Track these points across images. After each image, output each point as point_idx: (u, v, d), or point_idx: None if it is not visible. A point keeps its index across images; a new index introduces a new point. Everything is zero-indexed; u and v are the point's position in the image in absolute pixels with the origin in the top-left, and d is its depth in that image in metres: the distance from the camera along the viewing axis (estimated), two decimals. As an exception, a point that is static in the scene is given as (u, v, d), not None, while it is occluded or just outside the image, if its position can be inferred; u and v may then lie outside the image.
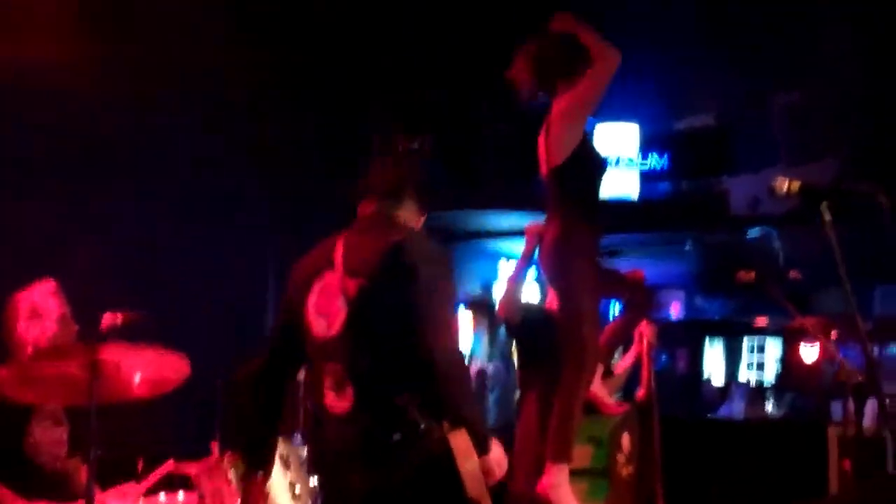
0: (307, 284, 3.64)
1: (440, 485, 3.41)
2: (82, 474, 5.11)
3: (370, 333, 3.50)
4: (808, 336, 11.52)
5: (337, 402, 3.52)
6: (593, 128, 11.44)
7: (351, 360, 3.50)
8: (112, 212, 6.87)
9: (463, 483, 3.37)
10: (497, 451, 3.51)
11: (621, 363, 5.80)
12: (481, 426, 3.48)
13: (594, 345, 5.02)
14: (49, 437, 5.11)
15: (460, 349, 3.48)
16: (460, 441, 3.40)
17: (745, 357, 14.02)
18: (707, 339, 13.89)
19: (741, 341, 14.04)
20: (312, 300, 3.61)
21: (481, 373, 11.96)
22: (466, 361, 12.87)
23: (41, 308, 5.07)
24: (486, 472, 3.50)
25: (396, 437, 3.42)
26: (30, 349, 5.05)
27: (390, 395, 3.46)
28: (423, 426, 3.42)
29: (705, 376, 13.66)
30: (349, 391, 3.49)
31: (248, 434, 3.94)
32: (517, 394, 10.68)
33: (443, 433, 3.41)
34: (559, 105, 5.01)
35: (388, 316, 3.47)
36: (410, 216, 3.76)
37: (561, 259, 5.07)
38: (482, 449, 3.46)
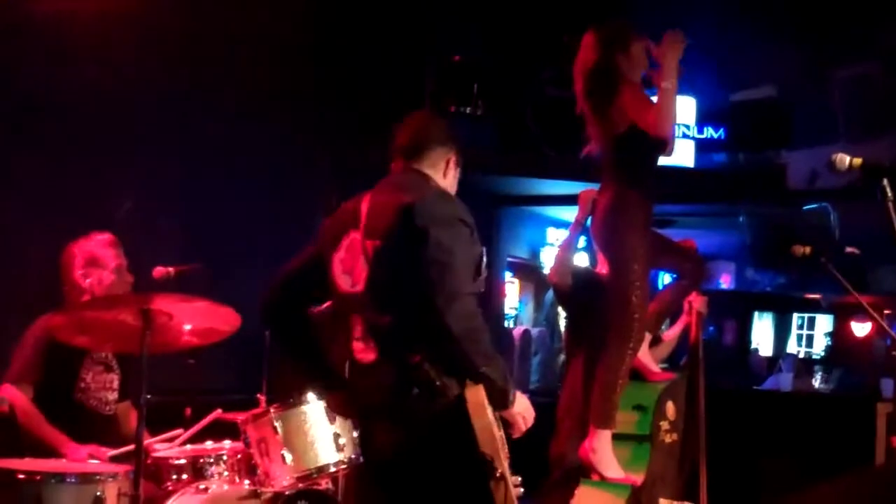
0: (336, 240, 3.71)
1: (453, 441, 3.44)
2: (132, 419, 5.20)
3: (387, 293, 3.54)
4: (860, 312, 11.42)
5: (364, 353, 3.59)
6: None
7: (372, 318, 3.56)
8: (162, 166, 6.91)
9: (476, 440, 3.40)
10: (522, 404, 3.57)
11: (669, 332, 5.79)
12: (502, 381, 3.49)
13: (642, 313, 5.01)
14: (99, 383, 5.20)
15: (475, 309, 3.45)
16: (475, 398, 3.43)
17: (795, 331, 13.93)
18: (756, 312, 13.81)
19: (791, 315, 13.94)
20: (339, 257, 3.69)
21: (526, 333, 11.98)
22: (512, 324, 12.95)
23: (98, 257, 5.16)
24: (510, 423, 3.58)
25: (415, 392, 3.46)
26: (86, 296, 5.14)
27: (408, 353, 3.49)
28: (438, 383, 3.45)
29: (753, 348, 13.59)
30: (373, 344, 3.57)
31: (303, 367, 4.04)
32: (560, 359, 10.68)
33: (461, 390, 3.44)
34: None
35: (401, 277, 3.49)
36: (435, 174, 3.79)
37: (614, 227, 5.06)
38: (502, 403, 3.52)
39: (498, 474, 3.38)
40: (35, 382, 4.97)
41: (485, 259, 3.63)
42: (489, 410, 3.46)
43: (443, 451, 3.50)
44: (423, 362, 3.47)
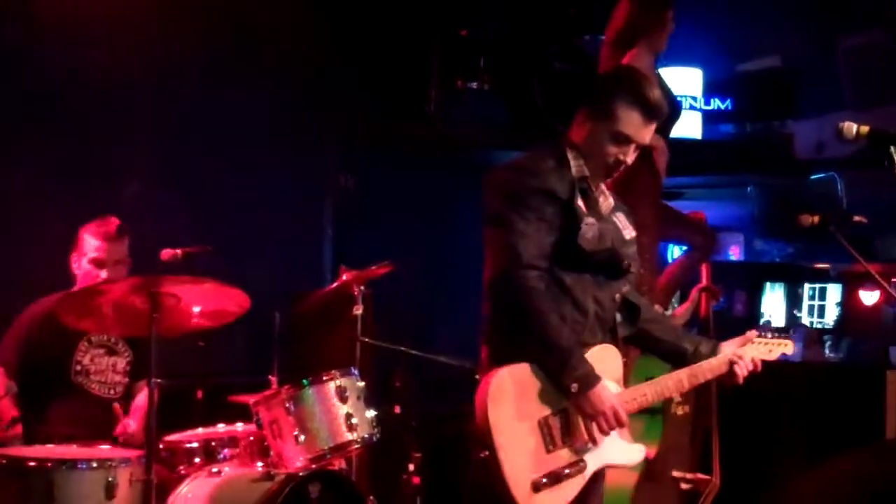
0: None
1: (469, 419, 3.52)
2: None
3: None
4: (869, 281, 11.39)
5: None
6: (655, 63, 11.29)
7: None
8: (168, 148, 6.90)
9: (476, 418, 3.46)
10: (591, 399, 3.54)
11: (680, 307, 5.79)
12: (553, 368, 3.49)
13: (651, 285, 5.02)
14: (100, 366, 5.19)
15: (516, 274, 3.48)
16: (499, 380, 3.47)
17: (805, 301, 13.89)
18: (766, 283, 13.77)
19: (801, 285, 13.90)
20: None
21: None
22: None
23: (83, 243, 5.17)
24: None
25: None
26: (86, 280, 5.15)
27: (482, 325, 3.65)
28: (483, 356, 3.53)
29: (763, 319, 13.56)
30: None
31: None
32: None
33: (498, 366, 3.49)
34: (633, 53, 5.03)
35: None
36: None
37: (624, 195, 5.06)
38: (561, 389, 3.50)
39: (482, 454, 3.39)
40: (6, 363, 4.99)
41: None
42: (534, 393, 3.46)
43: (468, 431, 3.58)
44: (482, 336, 3.60)
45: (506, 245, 3.52)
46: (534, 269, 3.49)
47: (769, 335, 4.08)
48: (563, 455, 3.50)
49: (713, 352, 3.94)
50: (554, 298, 3.54)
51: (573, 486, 3.51)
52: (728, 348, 3.95)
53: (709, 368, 3.90)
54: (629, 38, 5.25)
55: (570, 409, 3.52)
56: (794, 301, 13.93)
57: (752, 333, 4.06)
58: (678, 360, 3.92)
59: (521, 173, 3.64)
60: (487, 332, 3.67)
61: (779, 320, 13.55)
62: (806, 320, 13.37)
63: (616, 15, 5.41)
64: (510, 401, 3.43)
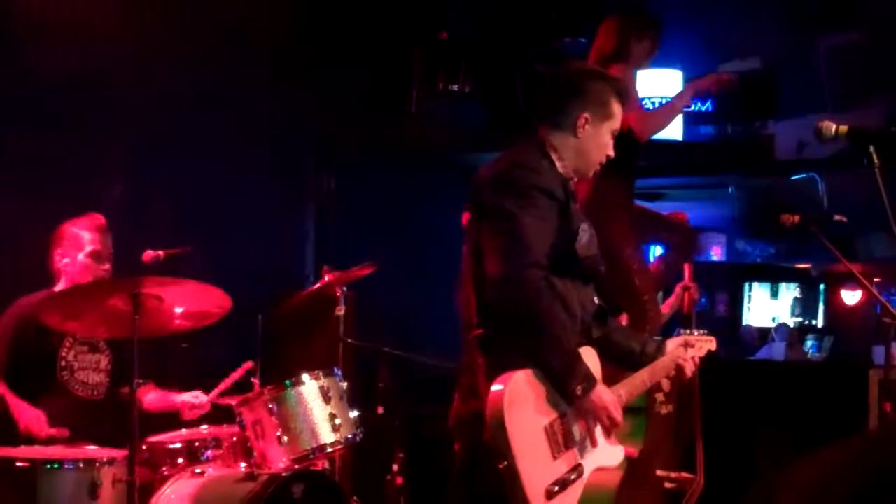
0: None
1: (475, 428, 3.43)
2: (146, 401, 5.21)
3: (473, 269, 3.61)
4: (850, 280, 11.43)
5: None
6: (635, 75, 11.34)
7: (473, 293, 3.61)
8: (150, 149, 6.88)
9: (488, 427, 3.35)
10: (593, 399, 3.52)
11: (663, 306, 5.80)
12: (558, 369, 3.46)
13: (650, 294, 5.08)
14: (84, 363, 5.16)
15: (526, 272, 3.39)
16: (515, 385, 3.39)
17: (786, 301, 13.94)
18: (748, 283, 13.82)
19: (782, 285, 13.95)
20: None
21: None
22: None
23: (77, 238, 5.13)
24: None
25: (473, 367, 3.54)
26: (59, 277, 5.13)
27: (478, 329, 3.56)
28: (479, 361, 3.49)
29: (745, 319, 13.61)
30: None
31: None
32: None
33: (498, 371, 3.42)
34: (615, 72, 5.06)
35: (478, 252, 3.58)
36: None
37: (597, 215, 5.11)
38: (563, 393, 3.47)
39: (502, 465, 3.29)
40: None
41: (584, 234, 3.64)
42: (539, 399, 3.42)
43: (467, 437, 3.57)
44: (478, 340, 3.53)
45: (513, 241, 3.43)
46: (541, 268, 3.43)
47: (696, 333, 4.15)
48: (567, 460, 3.46)
49: (658, 350, 3.99)
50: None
51: (576, 491, 3.49)
52: (670, 347, 4.00)
53: (662, 367, 3.96)
54: (611, 59, 5.30)
55: (568, 413, 3.50)
56: (775, 301, 13.98)
57: (686, 333, 4.12)
58: (628, 360, 3.94)
59: (524, 169, 3.58)
60: (485, 333, 3.57)
61: (761, 320, 13.60)
62: (788, 320, 13.42)
63: (600, 35, 5.45)
64: (523, 408, 3.36)
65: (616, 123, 3.77)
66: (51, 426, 4.86)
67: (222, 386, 5.23)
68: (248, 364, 5.23)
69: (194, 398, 5.18)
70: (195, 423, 5.24)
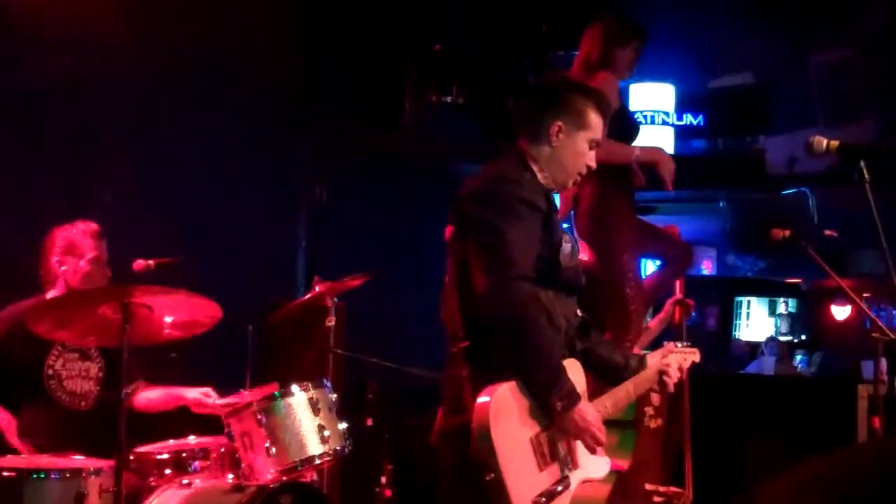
0: None
1: (461, 441, 3.40)
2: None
3: (458, 282, 3.60)
4: (840, 295, 11.46)
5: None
6: (628, 89, 11.41)
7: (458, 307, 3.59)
8: (141, 158, 6.87)
9: (473, 439, 3.34)
10: (574, 417, 3.49)
11: (653, 320, 5.81)
12: (540, 384, 3.44)
13: (638, 304, 5.08)
14: (72, 371, 5.12)
15: (512, 285, 3.38)
16: (500, 397, 3.37)
17: (777, 315, 13.97)
18: (738, 297, 13.85)
19: (772, 300, 13.98)
20: None
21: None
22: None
23: (77, 245, 5.09)
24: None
25: (458, 379, 3.52)
26: (59, 284, 5.09)
27: (463, 341, 3.54)
28: (465, 374, 3.47)
29: (735, 333, 13.63)
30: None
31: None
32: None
33: (483, 384, 3.40)
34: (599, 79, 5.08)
35: (463, 265, 3.56)
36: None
37: (600, 221, 5.14)
38: (545, 408, 3.45)
39: (489, 477, 3.28)
40: None
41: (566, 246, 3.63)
42: (523, 411, 3.41)
43: (453, 450, 3.53)
44: (462, 351, 3.52)
45: (499, 255, 3.41)
46: (528, 281, 3.42)
47: (681, 345, 4.16)
48: (553, 472, 3.46)
49: (641, 364, 3.99)
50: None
51: (563, 503, 3.50)
52: (653, 360, 4.00)
53: (645, 379, 3.97)
54: (596, 66, 5.32)
55: (553, 425, 3.50)
56: (766, 315, 14.01)
57: (671, 345, 4.12)
58: (611, 373, 3.94)
59: (506, 182, 3.58)
60: (471, 346, 3.55)
61: (751, 334, 13.62)
62: (778, 335, 13.45)
63: (584, 42, 5.47)
64: (509, 420, 3.36)
65: (594, 133, 3.74)
66: (34, 436, 4.84)
67: (240, 399, 5.10)
68: (274, 386, 5.10)
69: (205, 396, 5.11)
70: (182, 433, 5.20)
